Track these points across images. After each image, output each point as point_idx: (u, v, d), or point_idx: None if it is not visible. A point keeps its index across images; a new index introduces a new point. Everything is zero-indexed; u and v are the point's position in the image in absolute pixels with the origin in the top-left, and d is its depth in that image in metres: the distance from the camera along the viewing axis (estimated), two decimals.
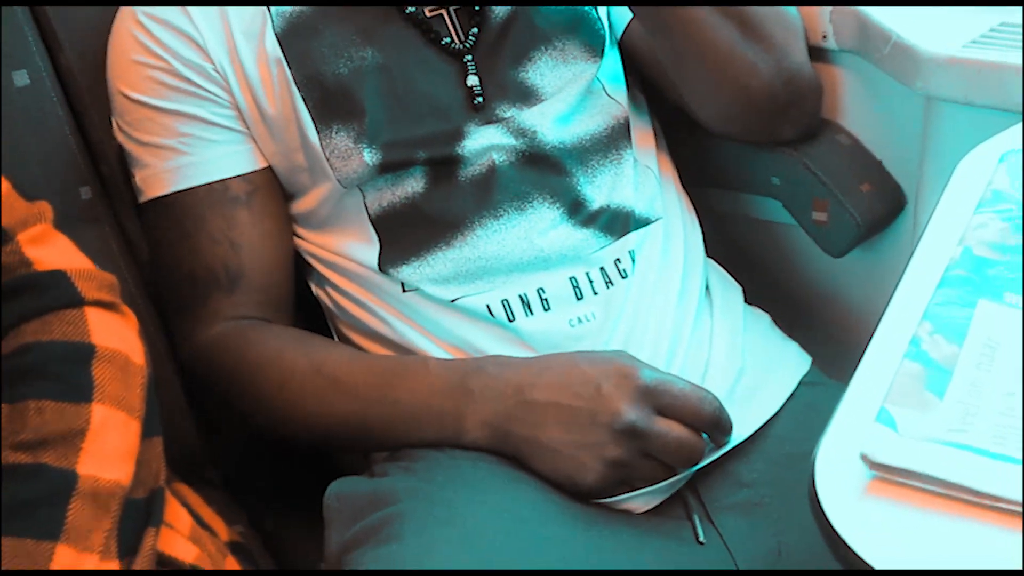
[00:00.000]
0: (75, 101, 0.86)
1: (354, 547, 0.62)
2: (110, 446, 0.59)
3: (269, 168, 0.79)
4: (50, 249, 0.65)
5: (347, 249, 0.78)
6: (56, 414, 0.58)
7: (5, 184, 0.64)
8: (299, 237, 0.82)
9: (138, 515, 0.60)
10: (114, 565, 0.56)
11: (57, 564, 0.53)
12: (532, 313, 0.73)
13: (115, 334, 0.63)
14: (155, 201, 0.79)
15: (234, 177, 0.78)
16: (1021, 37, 0.69)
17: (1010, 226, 0.45)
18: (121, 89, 0.79)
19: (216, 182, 0.78)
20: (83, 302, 0.63)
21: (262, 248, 0.80)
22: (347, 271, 0.79)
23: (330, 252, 0.80)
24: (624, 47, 0.85)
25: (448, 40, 0.77)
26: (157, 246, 0.82)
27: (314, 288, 0.84)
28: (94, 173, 0.86)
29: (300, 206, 0.81)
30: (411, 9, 0.77)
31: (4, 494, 0.55)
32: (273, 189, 0.80)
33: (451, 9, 0.78)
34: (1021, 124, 0.60)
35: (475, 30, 0.78)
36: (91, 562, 0.55)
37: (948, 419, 0.37)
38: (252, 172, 0.79)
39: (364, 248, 0.77)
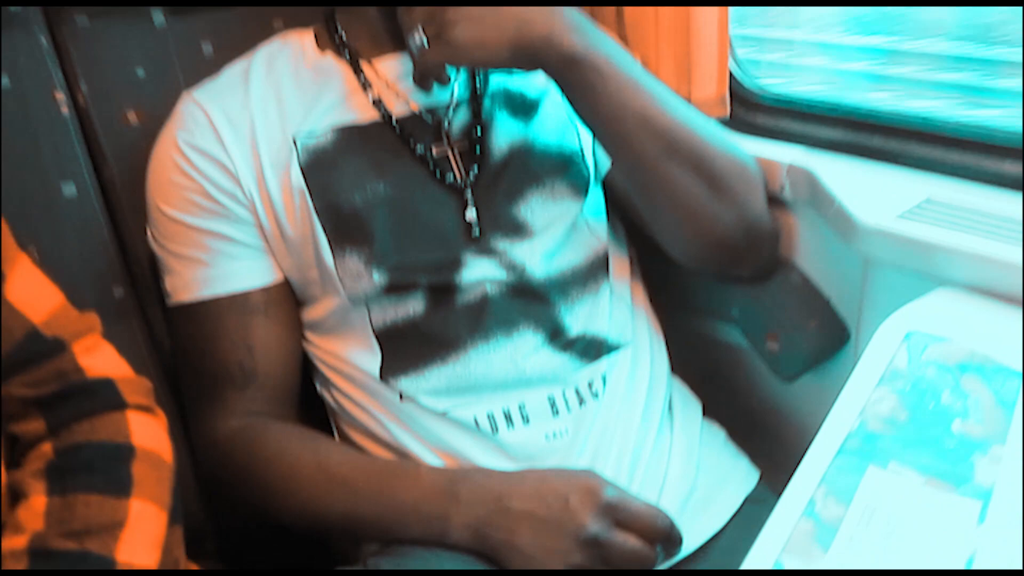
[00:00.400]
0: (114, 209, 0.96)
1: None
2: (143, 536, 0.67)
3: (285, 281, 0.89)
4: (98, 358, 0.74)
5: (351, 356, 0.88)
6: (100, 507, 0.66)
7: (60, 297, 0.74)
8: (307, 341, 0.92)
9: None
10: None
11: None
12: (513, 426, 0.83)
13: (150, 435, 0.72)
14: (182, 305, 0.89)
15: (254, 289, 0.88)
16: (946, 212, 0.80)
17: (902, 402, 0.55)
18: (159, 205, 0.88)
19: (238, 293, 0.87)
20: (125, 406, 0.72)
21: (274, 351, 0.89)
22: (350, 376, 0.88)
23: (335, 358, 0.89)
24: (606, 185, 0.96)
25: (452, 177, 0.88)
26: (181, 344, 0.92)
27: (319, 387, 0.94)
28: (127, 274, 0.96)
29: (310, 314, 0.90)
30: (420, 150, 0.87)
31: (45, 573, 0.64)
32: (287, 299, 0.90)
33: (455, 150, 0.89)
34: (936, 292, 0.71)
35: (475, 169, 0.88)
36: None
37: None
38: (269, 285, 0.88)
39: (367, 357, 0.87)
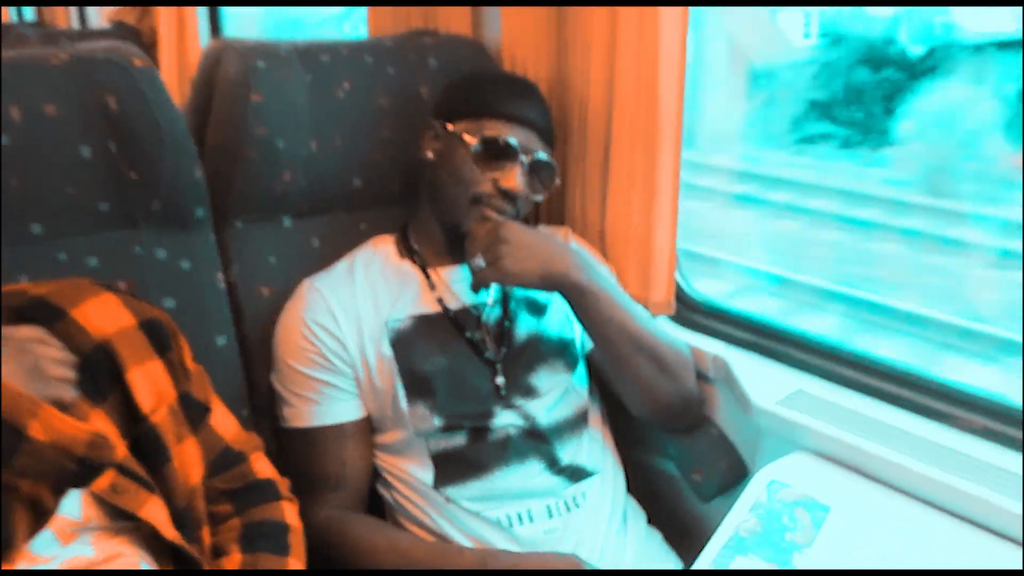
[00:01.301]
0: (247, 356, 1.37)
1: None
2: None
3: (368, 416, 1.30)
4: (262, 464, 1.15)
5: (411, 470, 1.29)
6: (272, 563, 1.06)
7: (235, 422, 1.15)
8: (377, 457, 1.33)
9: None
10: None
11: None
12: (523, 524, 1.24)
13: (294, 517, 1.13)
14: (296, 429, 1.29)
15: (348, 422, 1.29)
16: (809, 400, 1.26)
17: (760, 522, 0.99)
18: (285, 359, 1.30)
19: (337, 424, 1.28)
20: (281, 498, 1.13)
21: (358, 465, 1.30)
22: (409, 483, 1.29)
23: (398, 470, 1.30)
24: (588, 361, 1.40)
25: (489, 354, 1.31)
26: (292, 456, 1.31)
27: (380, 489, 1.34)
28: (250, 401, 1.36)
29: (382, 439, 1.31)
30: (468, 334, 1.30)
31: None
32: (368, 429, 1.31)
33: (491, 335, 1.32)
34: (793, 454, 1.15)
35: (504, 349, 1.32)
36: None
37: None
38: (359, 419, 1.29)
39: (423, 471, 1.28)
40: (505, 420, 1.28)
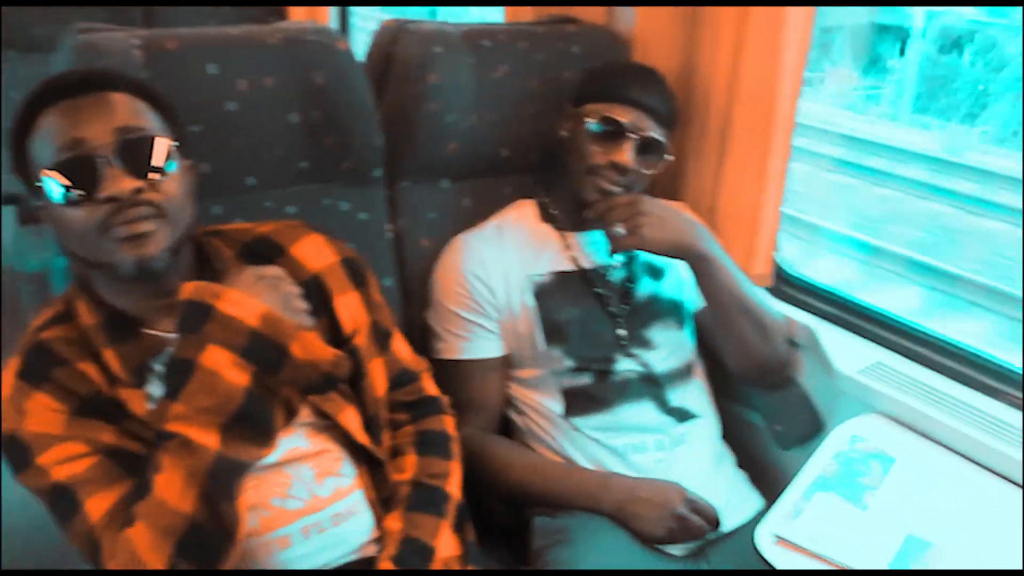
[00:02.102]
0: (407, 295, 1.63)
1: (547, 550, 1.36)
2: (458, 481, 1.32)
3: (508, 354, 1.55)
4: (429, 383, 1.41)
5: (543, 401, 1.53)
6: (441, 465, 1.31)
7: (409, 347, 1.40)
8: (512, 387, 1.58)
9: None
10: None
11: (443, 533, 1.26)
12: (636, 453, 1.48)
13: (453, 428, 1.38)
14: (447, 360, 1.55)
15: (491, 357, 1.54)
16: (886, 372, 1.47)
17: (839, 467, 1.22)
18: (441, 300, 1.55)
19: (482, 359, 1.53)
20: (444, 412, 1.39)
21: (496, 394, 1.55)
22: (541, 412, 1.53)
23: (532, 400, 1.54)
24: (696, 319, 1.62)
25: (613, 309, 1.54)
26: (441, 382, 1.56)
27: (512, 415, 1.59)
28: (408, 334, 1.62)
29: (519, 374, 1.56)
30: (598, 290, 1.54)
31: (420, 495, 1.28)
32: (507, 364, 1.56)
33: (615, 293, 1.55)
34: (868, 415, 1.38)
35: (627, 305, 1.55)
36: (448, 532, 1.28)
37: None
38: (500, 356, 1.54)
39: (555, 403, 1.52)
40: (625, 366, 1.51)
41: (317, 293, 1.24)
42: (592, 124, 1.46)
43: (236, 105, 1.41)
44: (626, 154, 1.45)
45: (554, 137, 1.58)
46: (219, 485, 1.01)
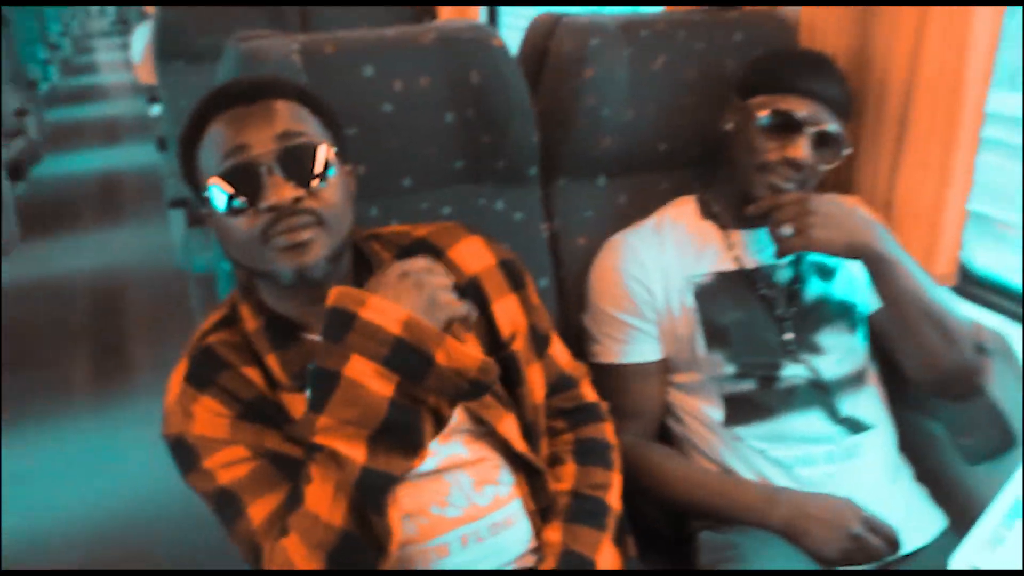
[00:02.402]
0: (562, 296, 1.59)
1: (715, 567, 1.30)
2: (617, 493, 1.28)
3: (666, 358, 1.49)
4: (589, 390, 1.36)
5: (703, 408, 1.46)
6: (601, 475, 1.27)
7: (568, 352, 1.36)
8: (671, 393, 1.52)
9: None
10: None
11: (604, 547, 1.21)
12: (804, 466, 1.40)
13: (613, 436, 1.33)
14: (603, 364, 1.50)
15: (649, 361, 1.48)
16: None
17: None
18: (599, 303, 1.50)
19: (640, 363, 1.48)
20: (604, 420, 1.34)
21: (655, 399, 1.50)
22: (701, 420, 1.47)
23: (690, 406, 1.48)
24: (870, 321, 1.51)
25: (779, 311, 1.46)
26: (597, 387, 1.51)
27: (671, 422, 1.53)
28: (563, 336, 1.58)
29: (678, 378, 1.50)
30: (763, 291, 1.46)
31: (579, 506, 1.24)
32: (665, 368, 1.50)
33: (782, 294, 1.47)
34: None
35: (794, 308, 1.46)
36: (609, 545, 1.23)
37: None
38: (658, 360, 1.49)
39: (714, 410, 1.45)
40: (792, 371, 1.43)
41: (475, 297, 1.22)
42: (763, 117, 1.38)
43: (392, 106, 1.41)
44: (801, 149, 1.36)
45: (716, 131, 1.50)
46: (368, 498, 0.99)
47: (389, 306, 1.00)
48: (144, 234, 5.08)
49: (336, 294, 1.02)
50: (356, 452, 0.98)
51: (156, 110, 4.43)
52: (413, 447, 1.02)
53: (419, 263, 1.09)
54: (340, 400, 0.99)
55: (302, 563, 0.98)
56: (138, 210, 5.65)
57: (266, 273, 1.10)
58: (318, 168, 1.07)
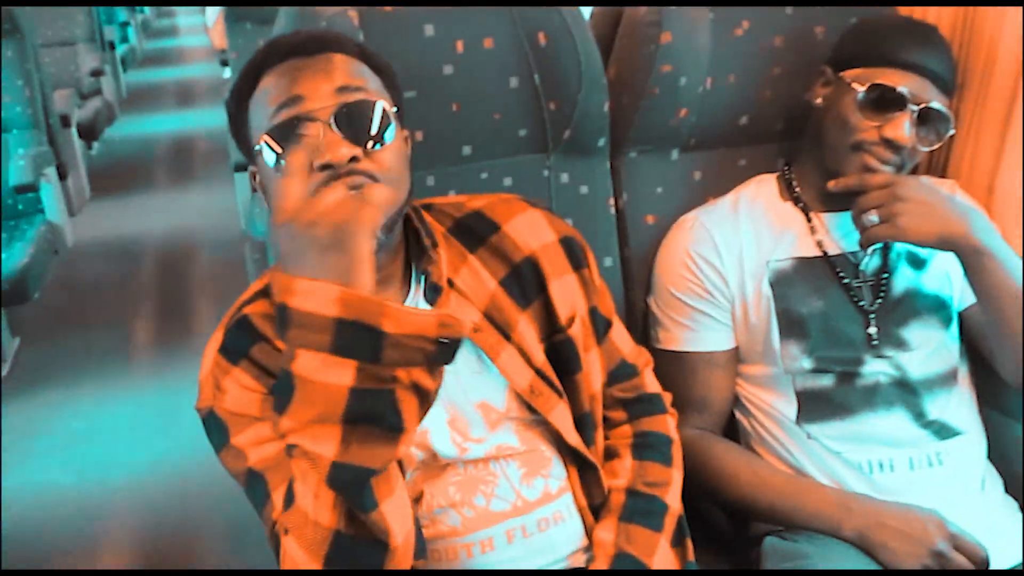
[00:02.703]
0: (627, 277, 1.49)
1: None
2: (677, 489, 1.19)
3: (736, 347, 1.39)
4: (651, 378, 1.27)
5: (773, 402, 1.36)
6: (659, 472, 1.18)
7: (630, 337, 1.26)
8: (740, 385, 1.41)
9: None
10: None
11: (660, 549, 1.13)
12: (883, 472, 1.29)
13: (674, 429, 1.24)
14: (668, 351, 1.40)
15: (719, 351, 1.38)
16: None
17: None
18: (666, 285, 1.40)
19: (709, 352, 1.38)
20: (665, 412, 1.25)
21: (723, 391, 1.39)
22: (771, 415, 1.36)
23: (759, 399, 1.38)
24: (962, 317, 1.39)
25: (863, 303, 1.34)
26: (660, 374, 1.42)
27: (738, 414, 1.43)
28: (626, 319, 1.49)
29: (748, 370, 1.39)
30: (846, 280, 1.34)
31: (635, 505, 1.15)
32: (735, 358, 1.40)
33: (867, 284, 1.35)
34: None
35: (880, 300, 1.34)
36: (666, 548, 1.14)
37: None
38: (729, 349, 1.38)
39: (786, 405, 1.35)
40: (875, 368, 1.31)
41: (532, 275, 1.13)
42: (861, 92, 1.26)
43: (452, 69, 1.33)
44: (902, 128, 1.24)
45: (804, 104, 1.39)
46: (348, 493, 0.88)
47: (318, 286, 0.85)
48: (213, 197, 5.10)
49: (270, 282, 0.92)
50: (326, 448, 0.86)
51: (228, 73, 4.43)
52: (393, 431, 0.88)
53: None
54: (299, 401, 0.86)
55: (303, 563, 0.89)
56: (209, 173, 5.68)
57: None
58: (376, 128, 0.98)
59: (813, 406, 1.33)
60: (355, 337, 0.85)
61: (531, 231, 1.16)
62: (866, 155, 1.28)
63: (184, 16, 14.09)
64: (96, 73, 5.40)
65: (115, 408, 3.01)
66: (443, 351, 0.88)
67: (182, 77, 9.04)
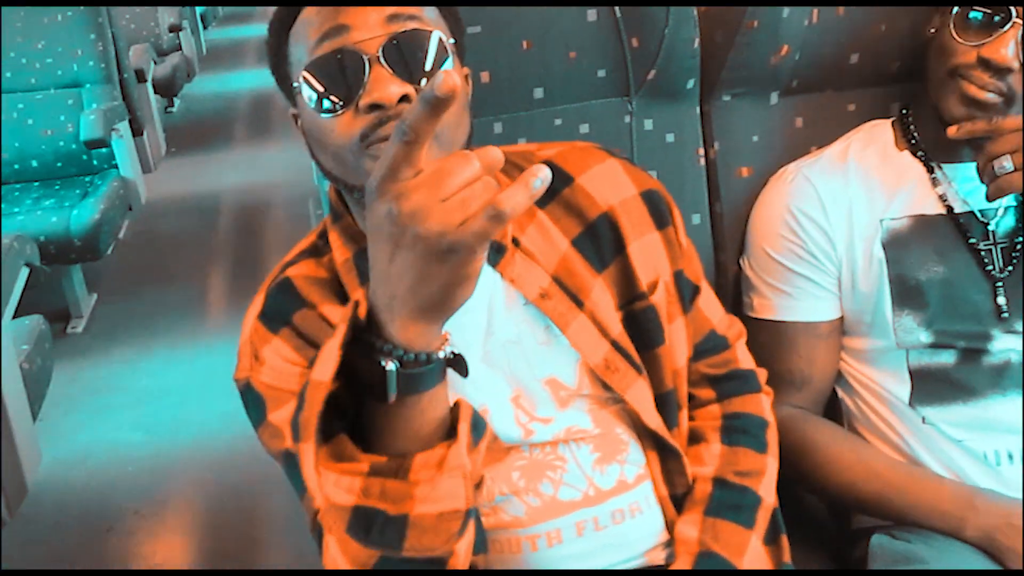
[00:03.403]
0: (717, 235, 1.34)
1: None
2: (772, 482, 1.04)
3: (842, 317, 1.23)
4: (744, 353, 1.12)
5: (882, 381, 1.20)
6: (752, 459, 1.04)
7: (720, 306, 1.11)
8: (843, 360, 1.25)
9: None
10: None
11: (751, 548, 0.98)
12: (1013, 463, 1.12)
13: (770, 410, 1.09)
14: (763, 320, 1.25)
15: (822, 321, 1.22)
16: None
17: None
18: (763, 246, 1.24)
19: (810, 322, 1.22)
20: (760, 390, 1.10)
21: (825, 366, 1.23)
22: (879, 395, 1.20)
23: (866, 377, 1.22)
24: None
25: (993, 270, 1.16)
26: (754, 346, 1.27)
27: (840, 392, 1.27)
28: (716, 283, 1.33)
29: (853, 343, 1.23)
30: (974, 241, 1.16)
31: (723, 497, 1.01)
32: (839, 330, 1.23)
33: (998, 247, 1.17)
34: None
35: (1012, 267, 1.16)
36: (757, 546, 1.00)
37: None
38: (833, 319, 1.22)
39: (897, 385, 1.18)
40: (1005, 344, 1.14)
41: (609, 235, 0.99)
42: (956, 9, 1.09)
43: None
44: (1003, 47, 1.05)
45: (920, 38, 1.20)
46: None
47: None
48: (290, 155, 5.05)
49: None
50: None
51: None
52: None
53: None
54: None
55: (344, 565, 0.78)
56: (287, 131, 5.63)
57: (361, 189, 0.87)
58: (432, 62, 0.85)
59: (930, 386, 1.16)
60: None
61: (609, 184, 1.01)
62: (964, 82, 1.09)
63: None
64: (174, 28, 5.38)
65: (187, 366, 2.99)
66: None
67: (263, 35, 9.01)
